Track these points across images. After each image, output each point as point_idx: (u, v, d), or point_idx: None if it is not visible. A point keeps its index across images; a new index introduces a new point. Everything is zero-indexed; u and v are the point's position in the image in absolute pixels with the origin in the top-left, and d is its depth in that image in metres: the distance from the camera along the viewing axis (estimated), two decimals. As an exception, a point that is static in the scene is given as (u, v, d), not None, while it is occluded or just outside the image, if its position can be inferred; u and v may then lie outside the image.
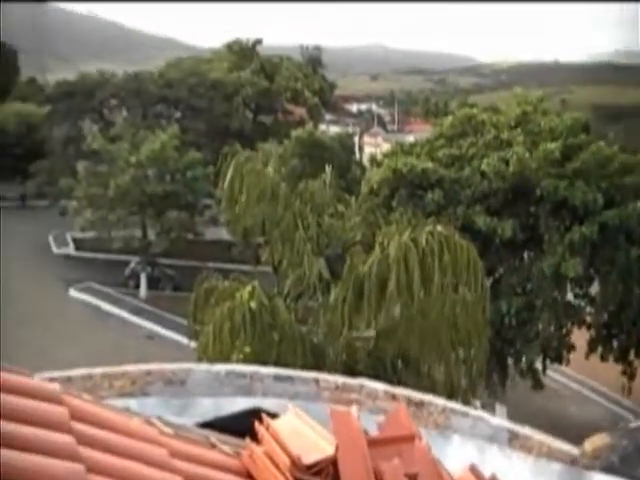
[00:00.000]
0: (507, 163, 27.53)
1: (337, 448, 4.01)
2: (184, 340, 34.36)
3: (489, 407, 25.56)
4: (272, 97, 59.29)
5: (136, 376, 8.80)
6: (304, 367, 11.42)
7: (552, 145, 27.59)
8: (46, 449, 3.08)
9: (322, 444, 4.06)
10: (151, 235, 44.62)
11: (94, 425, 3.61)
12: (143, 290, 44.22)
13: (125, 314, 40.84)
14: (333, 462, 4.02)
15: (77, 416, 3.53)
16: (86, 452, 3.25)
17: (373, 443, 4.51)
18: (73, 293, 43.37)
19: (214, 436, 4.99)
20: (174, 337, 36.14)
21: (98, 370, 8.93)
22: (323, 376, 9.09)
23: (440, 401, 8.93)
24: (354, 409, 4.77)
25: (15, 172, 61.46)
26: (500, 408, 28.67)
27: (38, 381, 3.74)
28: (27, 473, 2.87)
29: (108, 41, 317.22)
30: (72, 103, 53.57)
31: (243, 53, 62.99)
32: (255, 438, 4.45)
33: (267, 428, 4.31)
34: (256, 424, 4.44)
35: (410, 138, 58.92)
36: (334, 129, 65.31)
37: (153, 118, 53.19)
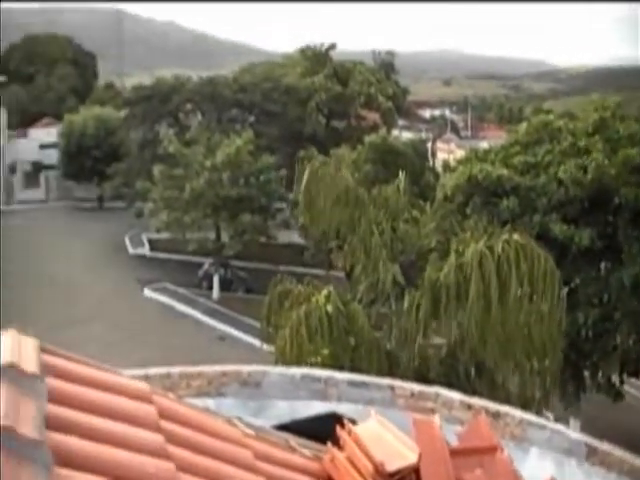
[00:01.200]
0: (585, 170, 26.91)
1: (420, 456, 3.99)
2: (255, 342, 34.57)
3: (562, 420, 25.00)
4: (345, 102, 59.34)
5: (212, 376, 8.89)
6: (378, 373, 11.39)
7: (632, 151, 26.86)
8: (136, 446, 3.13)
9: (405, 452, 4.04)
10: (224, 237, 44.97)
11: (181, 425, 3.66)
12: (216, 291, 44.52)
13: (198, 315, 41.22)
14: (415, 470, 4.00)
15: (165, 415, 3.58)
16: (175, 451, 3.30)
17: (455, 453, 4.47)
18: (148, 293, 44.03)
19: (293, 439, 5.01)
20: (246, 339, 36.39)
21: (176, 369, 9.06)
22: (398, 383, 9.01)
23: (517, 412, 8.76)
24: (436, 418, 4.74)
25: (93, 174, 63.17)
26: (574, 422, 28.00)
27: (128, 379, 3.82)
28: (118, 468, 2.91)
29: (184, 47, 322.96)
30: (148, 107, 54.41)
31: (316, 58, 63.19)
32: (335, 442, 4.45)
33: (349, 433, 4.31)
34: (338, 429, 4.45)
35: (484, 144, 58.09)
36: (407, 135, 65.05)
37: (227, 122, 53.68)
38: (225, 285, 45.21)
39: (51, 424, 2.85)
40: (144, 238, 54.03)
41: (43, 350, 3.42)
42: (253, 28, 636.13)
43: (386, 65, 71.36)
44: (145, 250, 53.17)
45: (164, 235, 47.67)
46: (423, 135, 66.28)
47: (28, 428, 2.67)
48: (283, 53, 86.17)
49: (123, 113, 60.08)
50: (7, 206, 65.23)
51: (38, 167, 71.64)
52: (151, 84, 57.61)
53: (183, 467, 3.22)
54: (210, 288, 44.88)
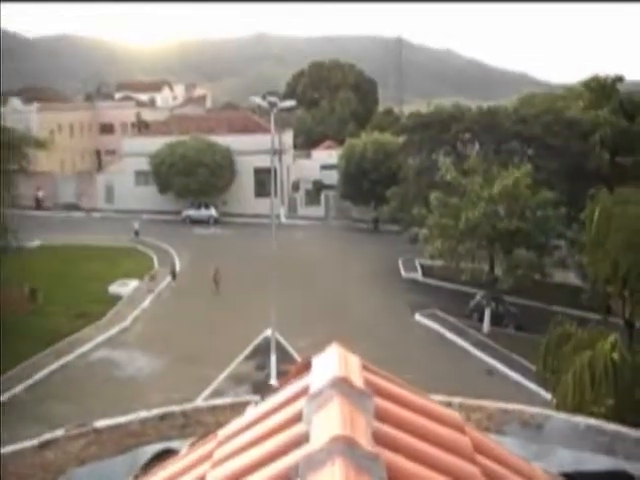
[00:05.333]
0: None
1: None
2: (524, 380, 33.68)
3: None
4: (633, 138, 55.84)
5: (493, 412, 8.78)
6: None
7: None
8: (454, 474, 3.19)
9: None
10: (498, 271, 44.03)
11: (492, 459, 3.67)
12: (486, 325, 43.62)
13: (467, 345, 40.74)
14: None
15: (477, 448, 3.62)
16: (492, 487, 3.32)
17: None
18: (418, 317, 44.32)
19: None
20: (514, 376, 35.56)
21: (456, 399, 9.06)
22: (697, 447, 8.31)
23: None
24: None
25: (370, 196, 65.47)
26: None
27: (440, 405, 3.93)
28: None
29: (464, 77, 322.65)
30: (426, 134, 54.86)
31: (602, 90, 60.17)
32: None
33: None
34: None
35: None
36: None
37: (506, 154, 52.63)
38: (496, 319, 44.12)
39: (377, 441, 2.96)
40: (417, 263, 54.62)
41: (364, 367, 3.63)
42: (532, 57, 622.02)
43: (677, 95, 66.08)
44: (417, 275, 53.69)
45: (437, 262, 47.61)
46: None
47: (365, 441, 2.82)
48: (563, 84, 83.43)
49: (401, 139, 61.38)
50: (290, 220, 70.27)
51: (319, 186, 76.02)
52: (429, 112, 58.39)
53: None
54: (480, 320, 44.13)
